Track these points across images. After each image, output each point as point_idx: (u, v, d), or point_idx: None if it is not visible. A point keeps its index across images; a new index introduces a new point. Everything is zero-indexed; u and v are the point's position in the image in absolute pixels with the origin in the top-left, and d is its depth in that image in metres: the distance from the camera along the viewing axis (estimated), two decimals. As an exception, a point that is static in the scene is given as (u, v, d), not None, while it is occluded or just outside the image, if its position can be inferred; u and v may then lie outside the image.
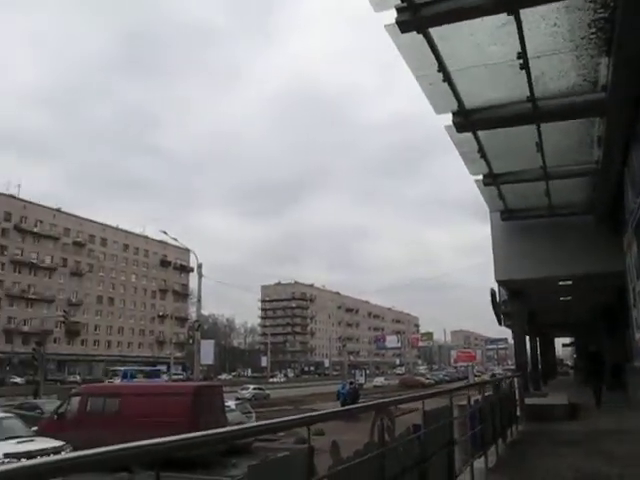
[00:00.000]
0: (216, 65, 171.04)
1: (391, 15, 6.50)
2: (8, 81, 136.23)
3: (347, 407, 3.23)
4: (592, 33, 7.17)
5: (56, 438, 13.34)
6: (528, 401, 13.18)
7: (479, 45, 7.23)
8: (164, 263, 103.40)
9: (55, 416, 16.72)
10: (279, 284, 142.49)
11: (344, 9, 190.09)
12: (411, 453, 4.00)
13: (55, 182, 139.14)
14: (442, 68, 7.43)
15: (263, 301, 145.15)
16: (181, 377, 73.60)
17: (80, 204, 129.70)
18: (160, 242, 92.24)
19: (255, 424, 2.39)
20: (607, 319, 22.14)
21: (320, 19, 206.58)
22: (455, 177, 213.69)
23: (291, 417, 2.61)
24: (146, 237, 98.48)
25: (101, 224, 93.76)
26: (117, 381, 51.73)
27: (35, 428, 15.32)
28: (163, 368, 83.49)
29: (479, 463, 6.86)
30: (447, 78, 7.65)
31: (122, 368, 61.33)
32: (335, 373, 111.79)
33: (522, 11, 6.39)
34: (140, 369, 64.84)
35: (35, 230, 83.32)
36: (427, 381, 70.01)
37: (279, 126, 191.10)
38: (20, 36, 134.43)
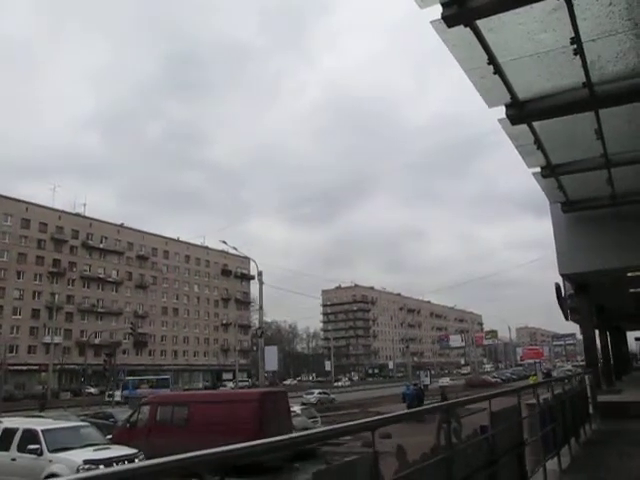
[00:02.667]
0: (257, 81, 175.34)
1: (436, 11, 6.43)
2: (68, 108, 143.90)
3: (411, 410, 3.16)
4: (652, 9, 6.87)
5: (129, 446, 13.82)
6: (601, 398, 12.70)
7: (529, 33, 7.02)
8: (225, 272, 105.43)
9: (127, 424, 17.30)
10: (339, 288, 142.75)
11: (376, 16, 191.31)
12: (479, 455, 3.91)
13: (115, 200, 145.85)
14: (492, 60, 7.26)
15: (324, 305, 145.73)
16: (247, 384, 74.76)
17: (141, 220, 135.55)
18: (220, 252, 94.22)
19: (319, 430, 2.39)
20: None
21: (353, 28, 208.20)
22: (504, 172, 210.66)
23: (355, 422, 2.59)
24: (206, 248, 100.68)
25: (163, 237, 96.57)
26: (117, 392, 52.38)
27: (109, 436, 15.91)
28: (229, 375, 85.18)
29: (552, 464, 6.64)
30: (498, 70, 7.46)
31: (130, 378, 62.11)
32: (399, 375, 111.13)
33: (573, -6, 6.19)
34: (147, 378, 65.77)
35: (101, 246, 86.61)
36: (494, 380, 68.66)
37: (323, 135, 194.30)
38: (77, 67, 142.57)
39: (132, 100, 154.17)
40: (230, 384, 76.67)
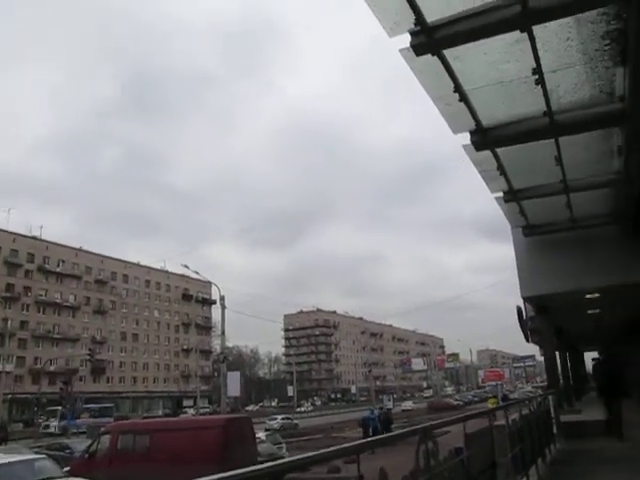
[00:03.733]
0: (218, 106, 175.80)
1: (405, 39, 6.61)
2: (19, 130, 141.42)
3: (392, 434, 3.18)
4: (606, 45, 7.19)
5: (88, 478, 13.33)
6: (563, 418, 12.92)
7: (493, 63, 7.27)
8: (186, 297, 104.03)
9: (86, 455, 16.72)
10: (301, 312, 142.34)
11: (342, 42, 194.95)
12: (456, 477, 3.94)
13: (73, 224, 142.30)
14: (458, 88, 7.47)
15: (286, 330, 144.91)
16: (208, 410, 73.40)
17: (100, 244, 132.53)
18: (181, 276, 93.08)
19: (307, 455, 2.36)
20: (638, 330, 21.72)
21: (318, 53, 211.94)
22: (465, 197, 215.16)
23: (340, 446, 2.58)
24: (167, 272, 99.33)
25: (122, 261, 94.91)
26: (54, 423, 49.18)
27: (67, 468, 15.30)
28: (190, 402, 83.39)
29: (521, 484, 6.72)
30: (463, 98, 7.68)
31: (87, 405, 59.70)
32: (362, 399, 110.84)
33: (534, 27, 6.43)
34: (98, 406, 62.86)
35: (58, 270, 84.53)
36: (456, 403, 69.05)
37: (285, 160, 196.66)
38: (30, 87, 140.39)
39: (90, 123, 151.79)
40: (191, 411, 75.10)
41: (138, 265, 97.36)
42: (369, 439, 2.74)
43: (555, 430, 11.90)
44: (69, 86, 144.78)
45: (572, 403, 19.94)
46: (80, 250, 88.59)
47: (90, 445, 17.37)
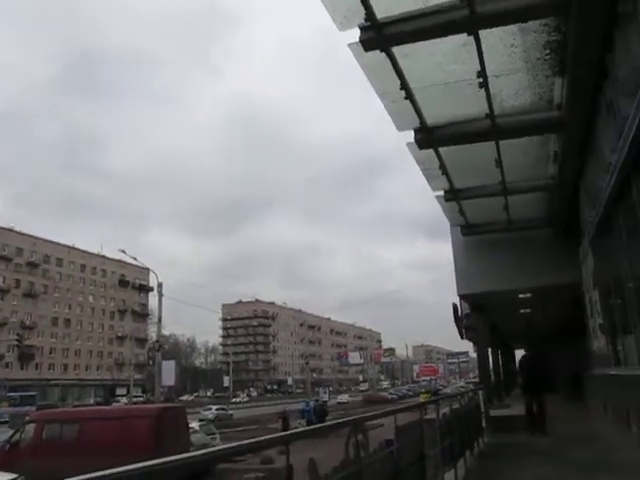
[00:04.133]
0: (164, 91, 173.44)
1: (354, 34, 6.63)
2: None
3: (324, 424, 3.20)
4: (546, 54, 7.44)
5: (9, 470, 12.79)
6: (492, 413, 13.32)
7: (440, 64, 7.40)
8: (123, 283, 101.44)
9: (8, 446, 16.02)
10: (240, 302, 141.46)
11: (291, 32, 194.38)
12: (385, 468, 4.01)
13: (3, 204, 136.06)
14: (404, 86, 7.57)
15: (224, 320, 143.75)
16: (141, 399, 72.08)
17: (32, 225, 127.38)
18: (118, 262, 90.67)
19: (234, 445, 2.34)
20: (566, 330, 22.65)
21: (265, 44, 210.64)
22: (406, 194, 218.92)
23: (270, 436, 2.58)
24: (104, 257, 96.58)
25: (56, 244, 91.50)
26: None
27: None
28: (123, 391, 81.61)
29: (449, 476, 6.90)
30: (409, 96, 7.78)
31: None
32: (299, 391, 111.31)
33: (481, 32, 6.58)
34: (19, 394, 61.10)
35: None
36: (390, 396, 70.26)
37: (227, 148, 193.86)
38: None
39: (25, 100, 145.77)
40: (124, 400, 73.55)
41: (73, 248, 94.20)
42: (298, 430, 2.76)
43: (484, 424, 12.27)
44: (4, 64, 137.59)
45: (502, 398, 20.61)
46: (10, 231, 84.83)
47: (12, 435, 16.69)
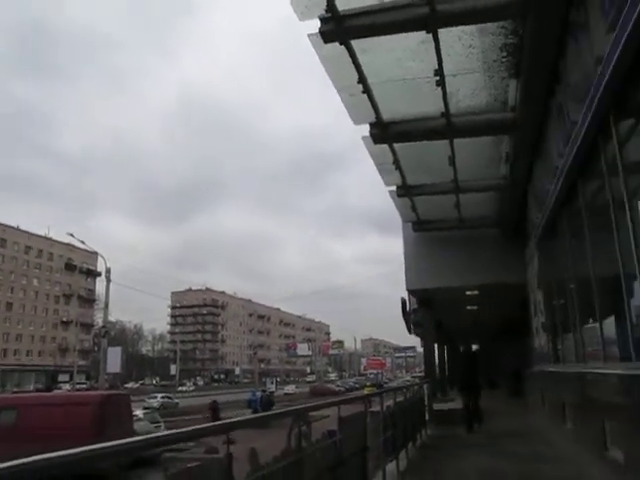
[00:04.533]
0: (116, 74, 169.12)
1: (314, 25, 6.60)
2: None
3: (266, 413, 3.20)
4: (503, 57, 7.57)
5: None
6: (436, 406, 13.59)
7: (399, 60, 7.44)
8: (69, 267, 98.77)
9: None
10: (190, 290, 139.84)
11: (250, 21, 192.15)
12: (327, 458, 4.03)
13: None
14: (362, 80, 7.58)
15: (173, 307, 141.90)
16: (85, 386, 70.55)
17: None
18: (66, 245, 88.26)
19: (170, 432, 2.31)
20: (510, 328, 23.24)
21: (224, 33, 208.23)
22: (359, 189, 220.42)
23: (210, 424, 2.55)
24: (50, 239, 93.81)
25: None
26: None
27: None
28: (65, 377, 79.66)
29: (391, 467, 7.01)
30: (366, 90, 7.81)
31: None
32: (246, 381, 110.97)
33: (440, 31, 6.64)
34: None
35: None
36: (337, 389, 70.73)
37: (183, 136, 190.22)
38: None
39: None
40: (67, 386, 71.84)
41: (17, 229, 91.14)
42: (238, 418, 2.73)
43: (428, 417, 12.51)
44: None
45: (447, 392, 21.02)
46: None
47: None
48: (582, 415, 8.35)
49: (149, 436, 2.07)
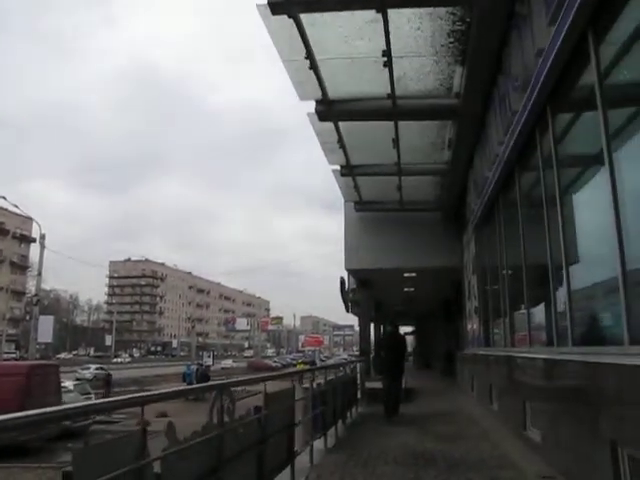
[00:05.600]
0: (54, 33, 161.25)
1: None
2: None
3: (185, 387, 3.14)
4: (450, 42, 7.60)
5: None
6: (369, 385, 13.80)
7: (347, 38, 7.36)
8: (2, 231, 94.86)
9: None
10: (129, 261, 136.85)
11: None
12: (251, 434, 4.01)
13: None
14: (310, 55, 7.48)
15: (111, 277, 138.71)
16: (14, 356, 68.30)
17: None
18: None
19: (83, 404, 2.24)
20: (445, 310, 23.83)
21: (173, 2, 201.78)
22: (305, 167, 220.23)
23: (125, 397, 2.49)
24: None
25: None
26: None
27: None
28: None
29: (319, 444, 7.08)
30: (314, 66, 7.71)
31: None
32: (183, 354, 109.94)
33: (390, 11, 6.59)
34: None
35: None
36: (274, 364, 71.11)
37: (123, 104, 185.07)
38: None
39: None
40: (-6, 355, 69.39)
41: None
42: (156, 392, 2.66)
43: (359, 395, 12.70)
44: None
45: (381, 371, 21.39)
46: None
47: None
48: (506, 396, 8.67)
49: (53, 409, 1.99)
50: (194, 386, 4.34)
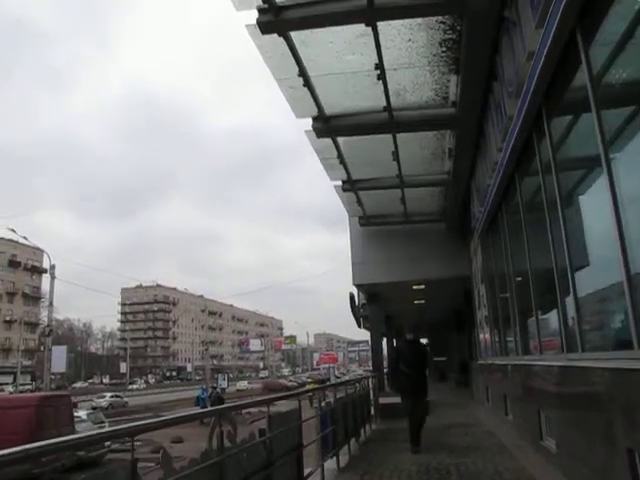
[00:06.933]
0: (54, 66, 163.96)
1: (253, 15, 6.45)
2: None
3: (179, 415, 3.04)
4: (443, 52, 7.58)
5: None
6: (383, 400, 13.63)
7: (338, 53, 7.35)
8: (13, 264, 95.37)
9: None
10: (140, 287, 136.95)
11: (193, 17, 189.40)
12: (255, 459, 3.92)
13: None
14: (303, 73, 7.48)
15: (123, 304, 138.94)
16: (29, 388, 68.34)
17: None
18: (8, 241, 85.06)
19: (70, 437, 2.18)
20: (457, 321, 23.61)
21: (164, 27, 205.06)
22: (308, 185, 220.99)
23: (115, 428, 2.43)
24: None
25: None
26: None
27: None
28: (9, 379, 77.03)
29: (331, 464, 6.96)
30: (307, 83, 7.71)
31: None
32: (198, 378, 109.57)
33: (379, 24, 6.58)
34: None
35: None
36: (290, 384, 70.72)
37: (125, 132, 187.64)
38: None
39: None
40: (10, 388, 69.41)
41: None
42: (143, 422, 2.59)
43: (373, 411, 12.54)
44: None
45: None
46: None
47: None
48: (521, 406, 8.51)
49: (25, 447, 1.92)
50: (190, 413, 4.22)
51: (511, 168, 7.46)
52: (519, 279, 8.73)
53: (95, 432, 2.25)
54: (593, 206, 4.96)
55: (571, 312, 5.41)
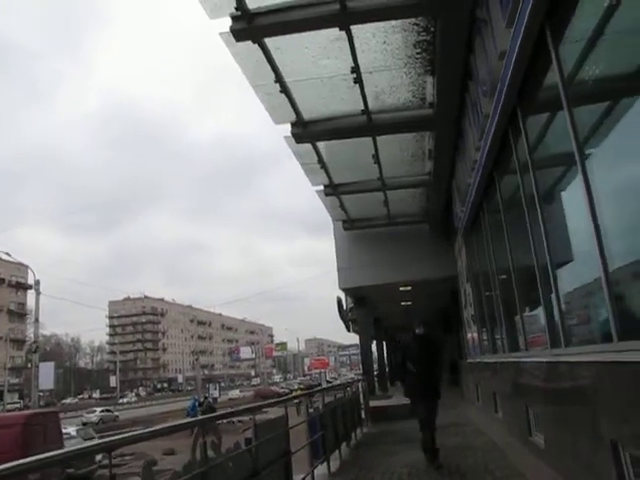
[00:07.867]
0: (30, 81, 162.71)
1: (227, 23, 6.45)
2: None
3: (157, 428, 2.98)
4: (418, 53, 7.61)
5: None
6: (373, 403, 13.64)
7: (314, 58, 7.36)
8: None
9: None
10: (128, 299, 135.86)
11: (171, 26, 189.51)
12: (241, 467, 3.90)
13: None
14: (279, 79, 7.48)
15: (111, 317, 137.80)
16: (17, 406, 67.47)
17: None
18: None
19: (45, 455, 2.15)
20: (444, 321, 23.68)
21: (145, 35, 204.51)
22: (289, 191, 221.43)
23: (91, 443, 2.39)
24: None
25: None
26: None
27: None
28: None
29: (322, 469, 6.94)
30: (284, 89, 7.71)
31: None
32: (190, 388, 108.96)
33: (353, 27, 6.60)
34: None
35: None
36: (282, 390, 70.47)
37: (106, 144, 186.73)
38: None
39: None
40: (-2, 406, 68.48)
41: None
42: (120, 437, 2.56)
43: (364, 415, 12.52)
44: None
45: (386, 388, 21.22)
46: None
47: None
48: (509, 403, 8.53)
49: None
50: (164, 426, 4.03)
51: (490, 167, 7.50)
52: (503, 277, 8.77)
53: (71, 449, 2.21)
54: (571, 203, 4.99)
55: (554, 308, 5.44)
